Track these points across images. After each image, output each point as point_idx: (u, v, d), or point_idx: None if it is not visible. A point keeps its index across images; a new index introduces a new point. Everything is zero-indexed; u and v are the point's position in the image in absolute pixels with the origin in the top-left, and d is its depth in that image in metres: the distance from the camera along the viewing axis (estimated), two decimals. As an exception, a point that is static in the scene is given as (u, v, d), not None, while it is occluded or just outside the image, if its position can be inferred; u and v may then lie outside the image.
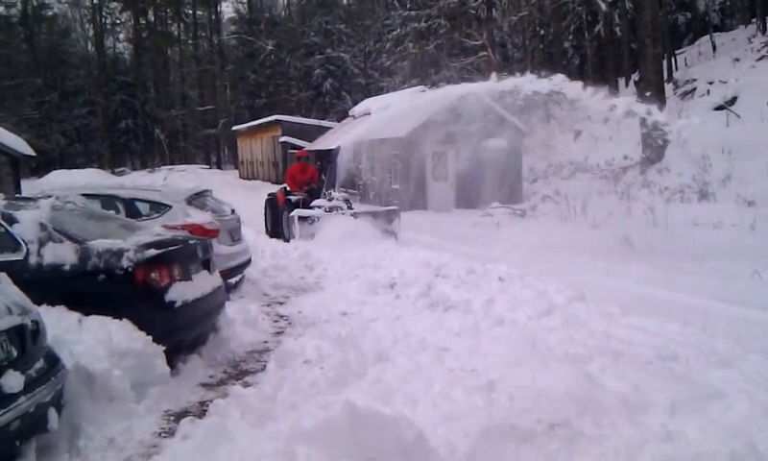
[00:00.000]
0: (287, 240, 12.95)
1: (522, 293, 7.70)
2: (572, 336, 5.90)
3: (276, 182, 33.03)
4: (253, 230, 12.81)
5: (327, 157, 15.50)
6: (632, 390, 4.37)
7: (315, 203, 13.36)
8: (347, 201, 13.70)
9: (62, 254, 5.29)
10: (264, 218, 15.01)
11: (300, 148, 32.01)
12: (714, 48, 25.96)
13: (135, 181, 15.69)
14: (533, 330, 6.16)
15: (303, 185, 14.21)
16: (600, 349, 5.41)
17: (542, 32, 35.91)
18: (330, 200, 13.36)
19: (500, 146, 20.66)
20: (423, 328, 6.50)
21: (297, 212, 12.84)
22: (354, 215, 13.26)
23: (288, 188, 14.39)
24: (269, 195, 15.18)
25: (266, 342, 6.57)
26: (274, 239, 13.36)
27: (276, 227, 14.02)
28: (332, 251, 11.14)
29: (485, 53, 31.17)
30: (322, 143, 29.11)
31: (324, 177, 14.41)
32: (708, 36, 27.39)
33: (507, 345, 5.65)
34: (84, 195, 7.65)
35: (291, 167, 15.20)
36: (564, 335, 5.95)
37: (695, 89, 22.36)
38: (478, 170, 19.94)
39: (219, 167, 51.49)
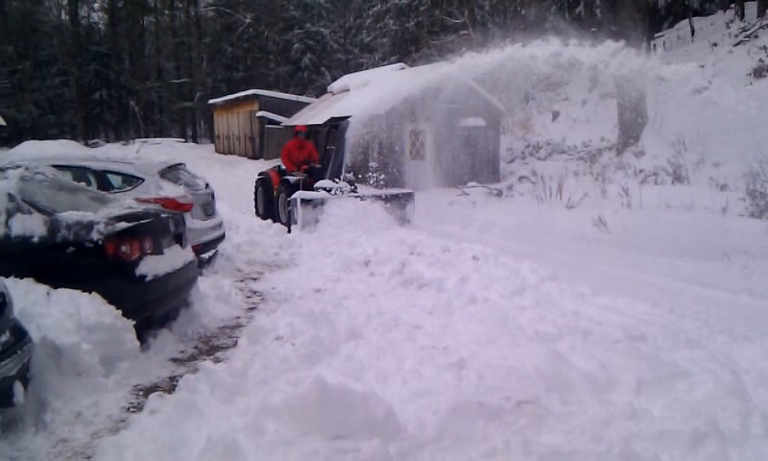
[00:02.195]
0: (286, 227, 11.74)
1: (496, 272, 7.74)
2: (543, 315, 5.96)
3: (253, 158, 32.82)
4: (228, 205, 12.65)
5: (330, 132, 13.91)
6: (599, 368, 4.42)
7: (319, 184, 11.88)
8: (351, 182, 12.20)
9: (31, 225, 5.22)
10: (254, 200, 13.95)
11: (277, 123, 31.78)
12: (693, 32, 26.08)
13: (108, 154, 15.33)
14: (505, 309, 6.21)
15: (301, 164, 12.79)
16: (570, 328, 5.47)
17: (524, 12, 35.81)
18: (336, 181, 11.95)
19: (478, 125, 20.70)
20: (397, 306, 6.52)
21: (300, 194, 11.39)
22: (363, 198, 11.92)
23: (282, 167, 13.12)
24: (260, 175, 13.97)
25: (238, 318, 6.57)
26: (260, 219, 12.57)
27: (270, 211, 12.90)
28: (341, 237, 10.29)
29: (465, 32, 31.07)
30: (300, 119, 28.89)
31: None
32: (687, 21, 27.50)
33: (479, 323, 5.71)
34: (54, 166, 7.52)
35: (287, 143, 13.53)
36: (535, 314, 6.01)
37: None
38: (456, 149, 19.95)
39: (195, 141, 50.78)
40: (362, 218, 11.14)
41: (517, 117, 25.87)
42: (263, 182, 13.57)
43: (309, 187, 11.88)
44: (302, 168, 12.66)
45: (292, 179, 12.34)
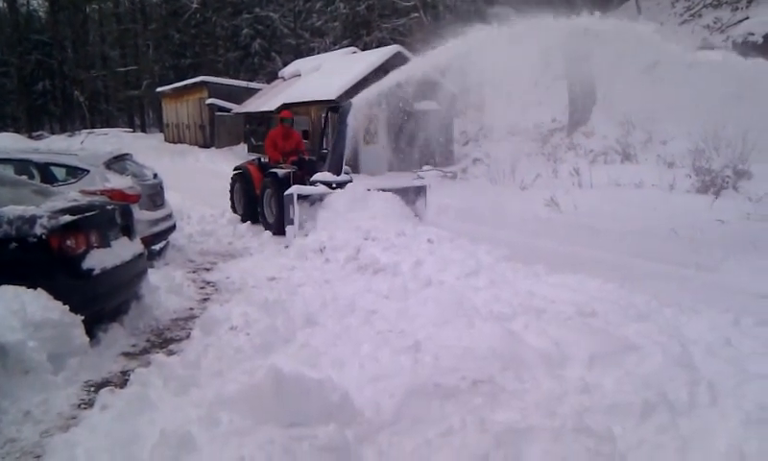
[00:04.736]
0: (274, 229, 10.23)
1: (451, 254, 7.76)
2: (498, 295, 6.01)
3: (204, 146, 32.31)
4: (179, 195, 12.40)
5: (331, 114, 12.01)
6: (552, 345, 4.49)
7: (317, 177, 10.19)
8: (347, 174, 10.65)
9: (-30, 222, 5.02)
10: (231, 199, 12.22)
11: (228, 110, 31.32)
12: (639, 11, 26.53)
13: (52, 146, 14.88)
14: (460, 291, 6.25)
15: (289, 156, 11.25)
16: (524, 307, 5.54)
17: (473, -6, 35.98)
18: (338, 174, 10.30)
19: (432, 108, 20.75)
20: (352, 292, 6.49)
21: (296, 190, 9.58)
22: (369, 193, 9.95)
23: (263, 160, 11.77)
24: (236, 169, 12.27)
25: (191, 309, 6.46)
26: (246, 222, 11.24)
27: (251, 210, 11.33)
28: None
29: (416, 14, 31.07)
30: (251, 105, 28.56)
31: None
32: (634, 1, 27.95)
33: (434, 305, 5.72)
34: (-6, 160, 7.30)
35: (271, 132, 11.87)
36: (490, 294, 6.06)
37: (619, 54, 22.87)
38: (410, 133, 19.96)
39: (143, 130, 49.82)
40: (377, 213, 9.37)
41: (471, 100, 26.01)
42: (241, 178, 11.87)
43: (300, 181, 10.32)
44: (290, 159, 11.16)
45: (280, 172, 10.75)
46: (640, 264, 7.90)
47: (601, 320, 5.25)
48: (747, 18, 19.63)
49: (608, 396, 3.88)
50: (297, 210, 9.40)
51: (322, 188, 9.84)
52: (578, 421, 3.54)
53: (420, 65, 10.68)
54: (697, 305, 5.73)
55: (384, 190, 10.17)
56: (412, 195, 10.75)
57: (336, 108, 11.46)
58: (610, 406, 3.74)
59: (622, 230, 9.75)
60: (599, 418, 3.63)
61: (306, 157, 11.38)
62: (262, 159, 11.92)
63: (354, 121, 10.60)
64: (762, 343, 4.72)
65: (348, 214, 9.22)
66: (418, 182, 11.70)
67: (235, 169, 12.40)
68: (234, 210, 12.05)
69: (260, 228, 10.60)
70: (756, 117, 11.10)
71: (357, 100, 10.84)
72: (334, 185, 9.98)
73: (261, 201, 10.92)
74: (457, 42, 9.20)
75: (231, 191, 12.22)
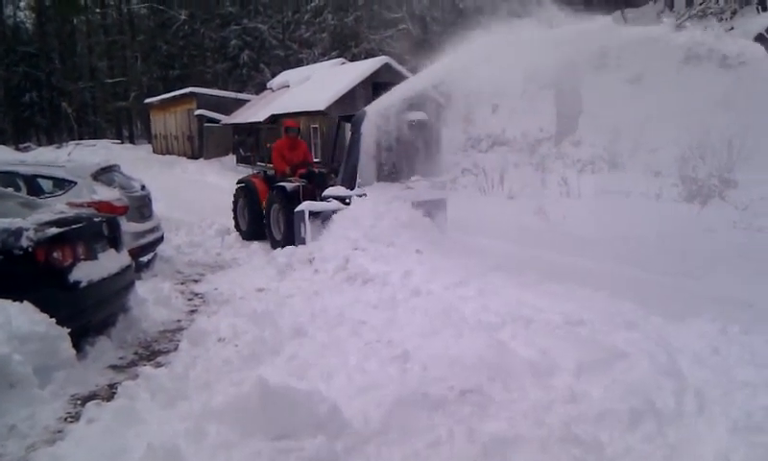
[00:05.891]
0: (282, 248, 9.12)
1: (440, 264, 7.76)
2: (486, 305, 6.00)
3: (193, 157, 32.23)
4: (167, 206, 12.33)
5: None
6: (540, 355, 4.50)
7: (330, 191, 9.51)
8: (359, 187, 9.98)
9: (-45, 235, 4.99)
10: (234, 215, 11.36)
11: (216, 121, 31.28)
12: (625, 23, 26.78)
13: (38, 157, 14.76)
14: (449, 300, 6.24)
15: (297, 168, 10.56)
16: (512, 316, 5.53)
17: (462, 5, 36.18)
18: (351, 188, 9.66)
19: (420, 119, 20.79)
20: (341, 302, 6.48)
21: (308, 206, 9.05)
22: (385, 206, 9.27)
23: (269, 173, 11.12)
24: (240, 183, 11.49)
25: (179, 321, 6.43)
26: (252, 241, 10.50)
27: (257, 227, 10.58)
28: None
29: (404, 25, 31.23)
30: (240, 116, 28.55)
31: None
32: (619, 12, 28.23)
33: (423, 315, 5.74)
34: (-21, 172, 7.25)
35: (277, 143, 11.13)
36: (478, 304, 6.05)
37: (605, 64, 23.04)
38: (399, 143, 19.98)
39: (131, 142, 49.54)
40: (387, 232, 8.76)
41: (458, 110, 26.14)
42: (246, 192, 11.02)
43: (310, 196, 9.69)
44: (299, 172, 10.45)
45: (289, 186, 9.96)
46: (628, 273, 7.92)
47: (589, 329, 5.26)
48: (732, 29, 19.86)
49: (595, 404, 3.89)
50: (308, 228, 8.88)
51: (334, 204, 9.21)
52: (565, 430, 3.55)
53: (437, 73, 10.05)
54: (684, 314, 5.73)
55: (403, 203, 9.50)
56: (430, 208, 9.96)
57: (349, 117, 10.76)
58: (597, 415, 3.75)
59: (610, 240, 9.78)
60: (586, 427, 3.64)
61: (316, 170, 10.75)
62: (267, 172, 11.30)
63: (368, 132, 9.94)
64: (749, 351, 4.74)
65: (360, 228, 8.70)
66: (438, 195, 10.92)
67: (239, 183, 11.60)
68: (238, 228, 11.23)
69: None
70: (742, 125, 11.24)
71: (371, 109, 10.08)
72: (347, 201, 9.31)
73: (268, 217, 10.21)
74: (471, 50, 8.76)
75: (234, 207, 11.39)
